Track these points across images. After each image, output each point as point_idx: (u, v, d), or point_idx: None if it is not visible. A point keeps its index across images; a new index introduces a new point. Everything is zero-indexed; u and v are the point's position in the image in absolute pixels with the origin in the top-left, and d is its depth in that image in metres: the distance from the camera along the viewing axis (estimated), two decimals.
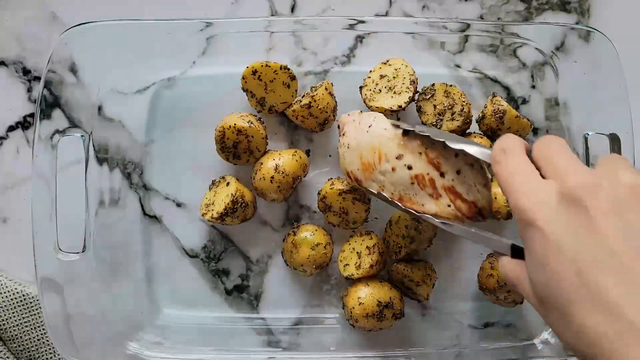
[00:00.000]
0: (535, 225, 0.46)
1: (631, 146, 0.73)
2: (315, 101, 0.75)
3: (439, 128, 0.76)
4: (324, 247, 0.77)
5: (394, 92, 0.77)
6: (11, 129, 0.83)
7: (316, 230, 0.77)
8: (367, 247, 0.76)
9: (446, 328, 0.80)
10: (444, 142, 0.64)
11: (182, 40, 0.77)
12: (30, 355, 0.81)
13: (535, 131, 0.80)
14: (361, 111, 0.74)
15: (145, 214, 0.81)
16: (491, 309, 0.80)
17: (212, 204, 0.77)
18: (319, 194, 0.77)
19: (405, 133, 0.68)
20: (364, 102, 0.77)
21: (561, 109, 0.78)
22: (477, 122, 0.79)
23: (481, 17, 0.84)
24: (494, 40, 0.78)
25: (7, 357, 0.80)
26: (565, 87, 0.77)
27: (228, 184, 0.77)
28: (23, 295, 0.81)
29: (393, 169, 0.68)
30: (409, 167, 0.67)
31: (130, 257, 0.79)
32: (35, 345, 0.81)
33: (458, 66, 0.81)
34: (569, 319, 0.44)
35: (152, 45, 0.76)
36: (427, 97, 0.77)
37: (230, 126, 0.74)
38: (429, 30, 0.76)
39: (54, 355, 0.81)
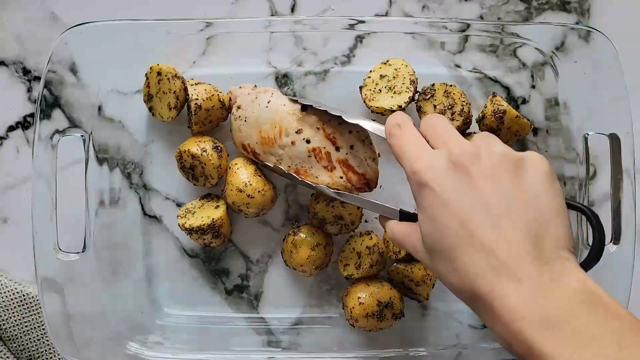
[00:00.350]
0: (428, 185, 0.54)
1: (631, 146, 0.73)
2: (196, 99, 0.74)
3: None
4: (324, 247, 0.77)
5: (394, 92, 0.77)
6: (11, 129, 0.83)
7: (316, 230, 0.77)
8: (367, 247, 0.76)
9: (446, 328, 0.80)
10: (340, 117, 0.71)
11: (182, 40, 0.77)
12: (30, 355, 0.81)
13: (535, 131, 0.80)
14: (255, 85, 0.77)
15: (145, 214, 0.81)
16: None
17: (192, 214, 0.77)
18: (308, 212, 0.77)
19: (304, 108, 0.73)
20: (364, 102, 0.77)
21: (561, 109, 0.78)
22: (477, 122, 0.79)
23: (481, 17, 0.84)
24: (494, 40, 0.78)
25: (7, 357, 0.80)
26: (565, 87, 0.77)
27: (217, 207, 0.77)
28: (23, 295, 0.81)
29: (293, 143, 0.73)
30: (307, 141, 0.73)
31: (130, 257, 0.79)
32: (35, 345, 0.81)
33: (458, 66, 0.81)
34: (454, 262, 0.52)
35: (152, 45, 0.76)
36: (427, 97, 0.77)
37: (185, 150, 0.75)
38: (429, 30, 0.76)
39: (54, 355, 0.81)
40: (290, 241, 0.77)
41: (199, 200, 0.79)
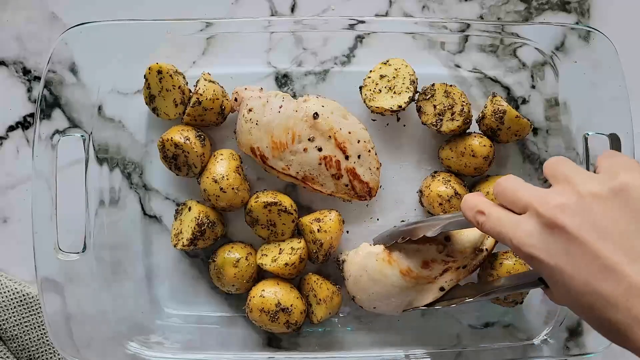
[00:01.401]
0: (535, 257, 0.53)
1: (631, 146, 0.73)
2: (201, 94, 0.74)
3: (439, 128, 0.76)
4: (246, 259, 0.76)
5: (394, 92, 0.77)
6: (11, 129, 0.83)
7: (232, 247, 0.77)
8: (291, 247, 0.76)
9: (446, 328, 0.80)
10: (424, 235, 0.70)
11: (182, 40, 0.77)
12: (30, 355, 0.81)
13: (535, 131, 0.80)
14: (262, 88, 0.76)
15: (145, 214, 0.81)
16: (491, 309, 0.80)
17: (180, 232, 0.77)
18: (244, 208, 0.77)
19: (316, 117, 0.74)
20: (364, 102, 0.77)
21: (561, 109, 0.78)
22: (477, 122, 0.79)
23: (481, 17, 0.84)
24: (494, 40, 0.78)
25: (7, 357, 0.80)
26: (565, 87, 0.77)
27: (190, 208, 0.77)
28: (23, 295, 0.81)
29: (305, 150, 0.74)
30: (319, 149, 0.74)
31: (130, 257, 0.79)
32: (35, 345, 0.81)
33: (458, 66, 0.81)
34: (599, 318, 0.52)
35: (152, 45, 0.76)
36: (427, 97, 0.77)
37: (168, 139, 0.74)
38: (429, 30, 0.76)
39: (54, 355, 0.81)
40: (213, 269, 0.77)
41: (175, 221, 0.78)
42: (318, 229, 0.74)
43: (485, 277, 0.77)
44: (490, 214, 0.58)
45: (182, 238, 0.76)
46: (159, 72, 0.74)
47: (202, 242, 0.76)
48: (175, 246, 0.76)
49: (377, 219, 0.80)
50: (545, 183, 0.81)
